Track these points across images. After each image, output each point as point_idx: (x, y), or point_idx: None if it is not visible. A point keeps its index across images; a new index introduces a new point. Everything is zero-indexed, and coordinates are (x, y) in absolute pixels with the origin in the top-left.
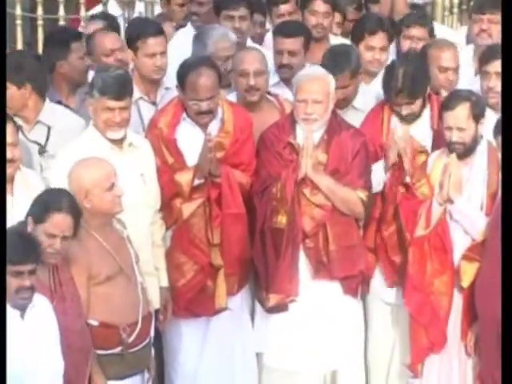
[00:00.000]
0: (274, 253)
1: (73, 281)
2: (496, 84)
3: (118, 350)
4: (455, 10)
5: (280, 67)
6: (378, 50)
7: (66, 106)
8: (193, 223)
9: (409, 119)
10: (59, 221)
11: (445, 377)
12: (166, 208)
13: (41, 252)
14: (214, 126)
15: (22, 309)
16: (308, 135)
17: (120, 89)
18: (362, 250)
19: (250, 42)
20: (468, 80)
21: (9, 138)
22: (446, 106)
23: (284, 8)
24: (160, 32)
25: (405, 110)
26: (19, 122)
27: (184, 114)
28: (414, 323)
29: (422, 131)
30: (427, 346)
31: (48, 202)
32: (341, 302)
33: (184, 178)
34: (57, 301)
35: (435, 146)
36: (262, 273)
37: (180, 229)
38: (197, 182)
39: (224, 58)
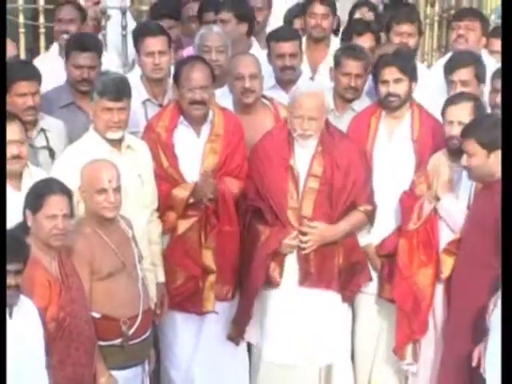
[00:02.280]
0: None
1: (76, 272)
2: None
3: (118, 341)
4: (436, 18)
5: (283, 70)
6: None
7: (79, 108)
8: (188, 237)
9: (392, 104)
10: (55, 201)
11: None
12: (162, 217)
13: (28, 253)
14: (206, 129)
15: (10, 306)
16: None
17: (118, 90)
18: (364, 266)
19: None
20: None
21: (16, 136)
22: (451, 101)
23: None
24: (159, 32)
25: (392, 88)
26: None
27: (181, 118)
28: (399, 311)
29: (402, 142)
30: (409, 332)
31: (40, 189)
32: (333, 302)
33: (180, 194)
34: (65, 291)
35: (417, 159)
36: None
37: (175, 243)
38: (192, 200)
39: (207, 48)
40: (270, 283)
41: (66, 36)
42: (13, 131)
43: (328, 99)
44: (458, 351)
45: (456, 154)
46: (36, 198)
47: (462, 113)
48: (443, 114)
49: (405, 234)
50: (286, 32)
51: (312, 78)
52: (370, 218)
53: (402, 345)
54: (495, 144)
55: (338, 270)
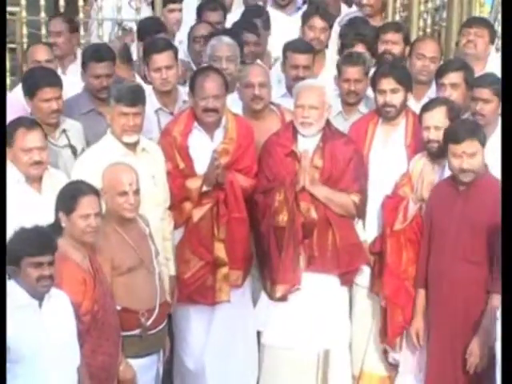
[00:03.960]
0: (276, 249)
1: (101, 267)
2: (451, 94)
3: (137, 331)
4: (428, 30)
5: (295, 79)
6: None
7: (99, 114)
8: (202, 225)
9: (388, 114)
10: (88, 201)
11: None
12: (177, 209)
13: (56, 246)
14: (219, 134)
15: (41, 298)
16: (305, 155)
17: (133, 96)
18: (361, 248)
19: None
20: None
21: (37, 143)
22: (426, 107)
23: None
24: (164, 48)
25: (389, 98)
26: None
27: (195, 123)
28: (390, 304)
29: (397, 147)
30: (402, 323)
31: (71, 192)
32: (333, 289)
33: (194, 185)
34: (98, 285)
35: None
36: (267, 267)
37: (190, 231)
38: (205, 188)
39: (217, 57)
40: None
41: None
42: (34, 138)
43: (336, 104)
44: (441, 340)
45: (435, 156)
46: (69, 200)
47: (437, 117)
48: (420, 120)
49: (392, 233)
50: (303, 44)
51: None
52: (358, 208)
53: (395, 336)
54: (485, 141)
55: (337, 253)
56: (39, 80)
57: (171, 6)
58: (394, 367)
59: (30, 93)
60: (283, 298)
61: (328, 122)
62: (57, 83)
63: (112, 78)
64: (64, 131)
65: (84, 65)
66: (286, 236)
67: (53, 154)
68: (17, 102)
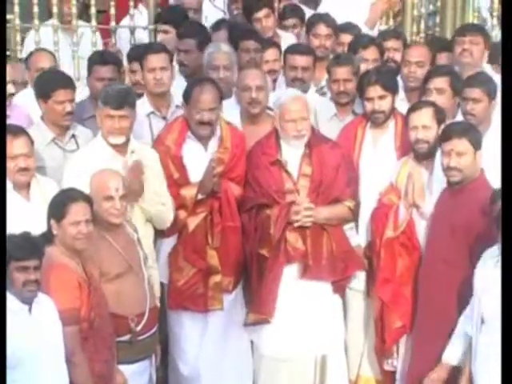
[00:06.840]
0: (257, 275)
1: (94, 275)
2: (436, 99)
3: (127, 337)
4: (422, 34)
5: (293, 81)
6: (370, 62)
7: None
8: (196, 234)
9: (377, 120)
10: (78, 208)
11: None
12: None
13: (43, 251)
14: (213, 144)
15: (29, 302)
16: (298, 202)
17: (120, 100)
18: (354, 254)
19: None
20: None
21: (23, 150)
22: (413, 108)
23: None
24: (160, 50)
25: (377, 105)
26: (53, 134)
27: (189, 132)
28: (387, 310)
29: (386, 150)
30: (400, 328)
31: (62, 198)
32: (326, 295)
33: (189, 193)
34: (93, 291)
35: None
36: (248, 289)
37: (185, 240)
38: (200, 196)
39: (215, 66)
40: (294, 257)
41: None
42: (20, 145)
43: (330, 107)
44: (426, 341)
45: (422, 158)
46: (60, 208)
47: (425, 117)
48: (407, 121)
49: (384, 243)
50: (304, 47)
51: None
52: (354, 213)
53: (393, 342)
54: (480, 143)
55: (333, 260)
56: (54, 82)
57: None
58: (390, 370)
59: (44, 95)
60: (252, 325)
61: (312, 127)
62: (70, 85)
63: (116, 82)
64: (74, 136)
65: (89, 68)
66: (268, 267)
67: (59, 157)
68: (18, 109)
